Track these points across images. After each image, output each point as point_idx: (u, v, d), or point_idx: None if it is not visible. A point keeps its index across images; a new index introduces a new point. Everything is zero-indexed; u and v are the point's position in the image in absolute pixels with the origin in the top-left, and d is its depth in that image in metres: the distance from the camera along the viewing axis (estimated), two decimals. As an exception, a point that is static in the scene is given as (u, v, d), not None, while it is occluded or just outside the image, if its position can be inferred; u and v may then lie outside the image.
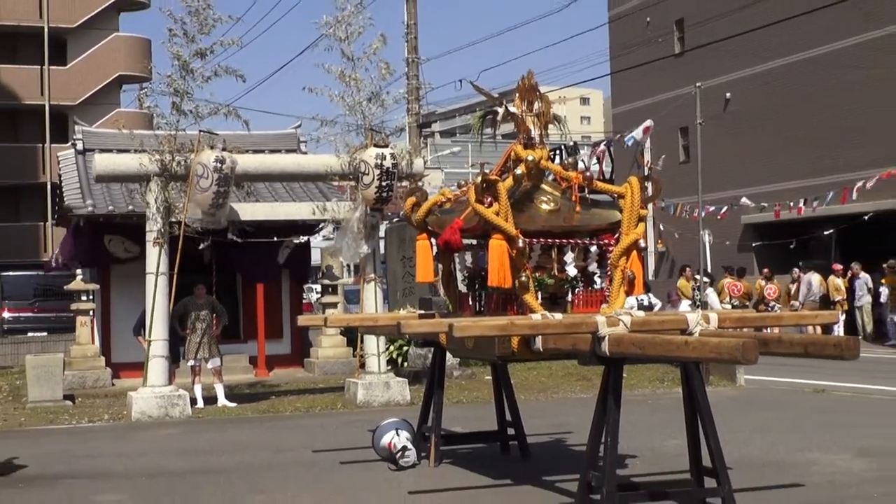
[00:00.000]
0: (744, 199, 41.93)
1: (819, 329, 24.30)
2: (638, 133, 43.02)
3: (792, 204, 38.60)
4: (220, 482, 12.28)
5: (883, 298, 34.73)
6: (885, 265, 34.79)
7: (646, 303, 10.43)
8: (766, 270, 38.61)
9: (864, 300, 35.21)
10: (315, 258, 37.66)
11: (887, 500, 10.49)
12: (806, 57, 41.00)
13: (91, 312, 24.66)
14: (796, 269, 37.18)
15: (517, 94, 11.82)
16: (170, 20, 19.35)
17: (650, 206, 12.46)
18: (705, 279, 37.87)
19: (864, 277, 35.23)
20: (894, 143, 36.62)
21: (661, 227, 46.74)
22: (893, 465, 12.41)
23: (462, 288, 12.40)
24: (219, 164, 18.56)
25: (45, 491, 11.90)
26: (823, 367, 22.76)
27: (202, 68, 19.49)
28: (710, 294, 35.10)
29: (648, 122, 43.19)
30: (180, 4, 19.31)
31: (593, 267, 11.59)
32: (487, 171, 11.65)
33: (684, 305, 30.24)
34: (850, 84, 39.01)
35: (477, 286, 11.97)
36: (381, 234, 24.34)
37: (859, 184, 36.38)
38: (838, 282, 35.36)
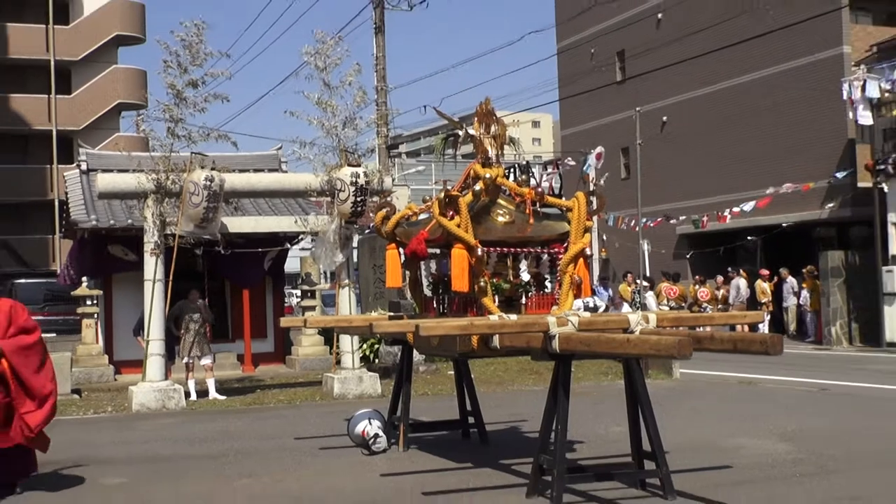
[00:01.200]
0: (691, 217, 41.97)
1: (747, 327, 24.42)
2: (592, 159, 43.04)
3: (718, 213, 38.60)
4: (211, 467, 12.23)
5: (803, 300, 35.02)
6: (804, 270, 35.05)
7: (591, 305, 10.35)
8: (698, 276, 38.94)
9: (790, 301, 35.58)
10: (295, 266, 37.60)
11: (807, 479, 10.55)
12: (730, 85, 41.32)
13: (95, 315, 24.58)
14: (720, 276, 37.53)
15: (476, 119, 11.84)
16: (165, 52, 19.35)
17: (595, 218, 12.53)
18: (645, 283, 37.98)
19: (791, 281, 35.55)
20: (808, 160, 36.86)
21: (604, 237, 46.74)
22: (811, 448, 12.50)
23: (427, 292, 12.41)
24: (208, 182, 18.57)
25: (56, 476, 11.83)
26: (751, 362, 22.87)
27: (194, 97, 19.49)
28: (649, 297, 35.23)
29: (600, 149, 43.22)
30: (175, 38, 19.32)
31: (545, 273, 11.65)
32: (450, 187, 11.71)
33: (626, 308, 30.34)
34: (769, 108, 39.34)
35: (441, 290, 12.00)
36: (355, 244, 24.32)
37: (774, 191, 36.51)
38: (764, 285, 35.68)
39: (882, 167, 31.73)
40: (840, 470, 11.09)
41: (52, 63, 58.67)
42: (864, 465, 11.40)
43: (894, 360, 26.91)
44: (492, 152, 11.63)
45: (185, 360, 20.14)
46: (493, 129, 11.76)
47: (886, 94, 31.20)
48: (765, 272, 36.39)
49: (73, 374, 21.54)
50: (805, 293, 34.93)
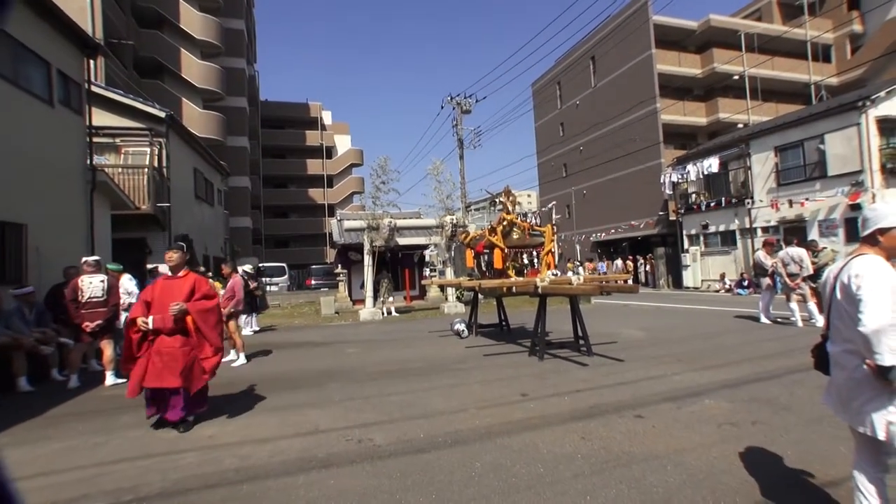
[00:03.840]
0: (599, 235, 41.19)
1: (622, 282, 23.80)
2: (553, 210, 42.43)
3: (607, 231, 37.94)
4: (394, 343, 12.24)
5: (647, 269, 34.19)
6: (647, 255, 34.23)
7: (554, 274, 10.25)
8: (605, 259, 38.12)
9: (642, 270, 34.66)
10: (427, 258, 37.50)
11: (651, 346, 10.26)
12: (613, 176, 40.24)
13: (343, 280, 24.74)
14: (609, 260, 36.70)
15: (504, 192, 11.74)
16: (372, 171, 19.41)
17: (554, 236, 12.35)
18: (578, 262, 37.36)
19: (640, 261, 34.68)
20: (648, 209, 35.84)
21: (557, 244, 46.02)
22: (654, 334, 12.14)
23: (483, 268, 12.33)
24: (389, 223, 18.66)
25: (323, 348, 11.92)
26: (625, 296, 22.38)
27: (384, 189, 19.50)
28: (580, 269, 34.63)
29: (554, 203, 42.66)
30: (375, 165, 19.36)
31: (535, 259, 11.50)
32: (493, 222, 11.61)
33: (570, 274, 29.83)
34: (629, 186, 38.25)
35: (489, 268, 11.89)
36: (453, 249, 24.27)
37: (635, 223, 35.79)
38: (629, 264, 34.82)
39: (680, 211, 31.21)
40: (668, 341, 10.76)
41: (325, 176, 59.41)
42: (678, 340, 11.04)
43: (689, 295, 26.10)
44: (510, 208, 11.52)
45: (382, 299, 20.14)
46: (511, 197, 11.64)
47: (678, 180, 30.86)
48: (630, 258, 35.61)
49: (336, 304, 21.71)
50: (647, 266, 34.08)
